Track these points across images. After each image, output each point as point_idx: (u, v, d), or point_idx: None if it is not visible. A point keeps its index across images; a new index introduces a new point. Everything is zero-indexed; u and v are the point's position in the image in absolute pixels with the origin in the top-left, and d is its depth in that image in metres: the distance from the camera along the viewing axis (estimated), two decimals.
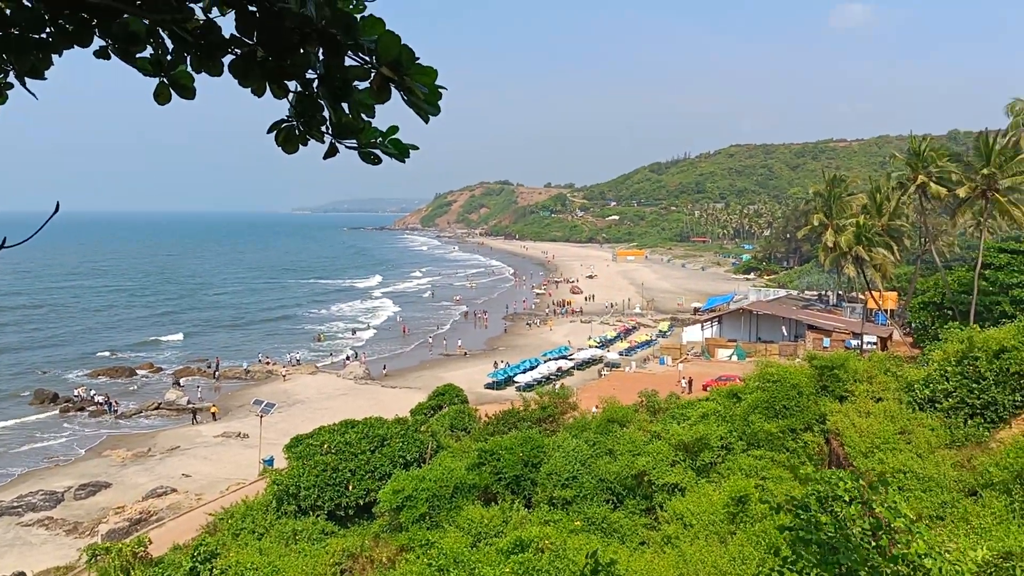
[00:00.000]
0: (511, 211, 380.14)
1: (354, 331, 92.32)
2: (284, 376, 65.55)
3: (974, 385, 19.79)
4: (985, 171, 46.08)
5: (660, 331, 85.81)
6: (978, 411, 19.43)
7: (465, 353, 76.95)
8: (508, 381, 60.91)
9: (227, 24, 2.64)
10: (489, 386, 59.87)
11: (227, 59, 2.70)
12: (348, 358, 74.29)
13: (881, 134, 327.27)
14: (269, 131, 2.96)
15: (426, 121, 2.92)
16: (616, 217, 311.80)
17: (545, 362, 66.10)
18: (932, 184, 52.71)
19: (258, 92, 2.77)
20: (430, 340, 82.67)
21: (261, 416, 43.82)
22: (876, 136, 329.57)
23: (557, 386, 49.27)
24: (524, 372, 62.45)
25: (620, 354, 71.80)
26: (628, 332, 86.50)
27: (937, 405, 20.26)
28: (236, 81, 2.72)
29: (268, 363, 70.49)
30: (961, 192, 48.31)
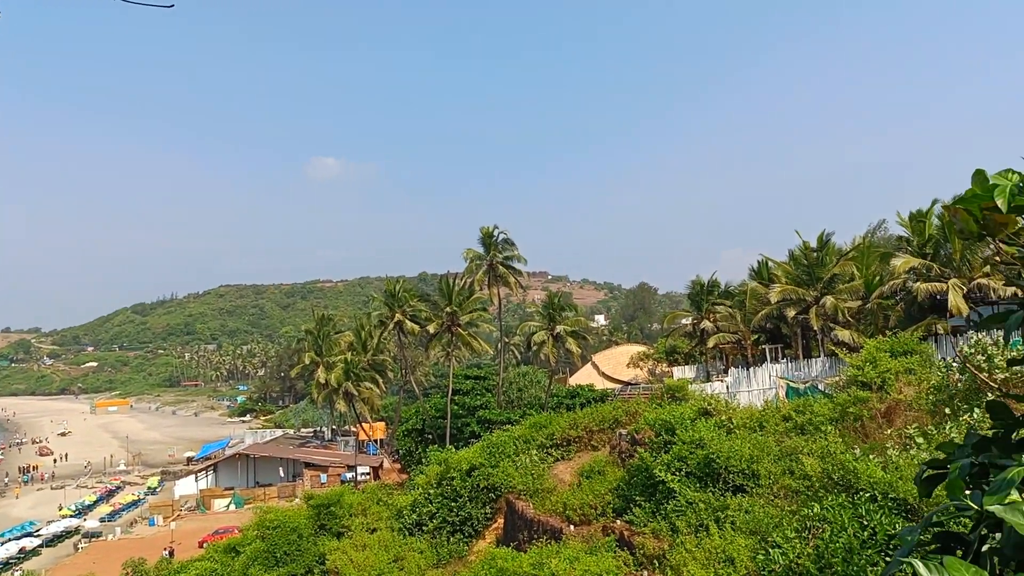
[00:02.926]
0: None
1: None
2: None
3: (453, 504, 21.88)
4: (448, 309, 53.51)
5: (149, 488, 78.46)
6: (458, 528, 21.44)
7: None
8: None
9: None
10: None
11: None
12: None
13: (363, 275, 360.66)
14: None
15: None
16: (94, 364, 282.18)
17: (3, 544, 54.69)
18: (407, 321, 58.95)
19: None
20: None
21: None
22: (359, 277, 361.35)
23: (19, 573, 41.97)
24: None
25: (102, 520, 63.70)
26: (111, 494, 77.51)
27: (424, 528, 21.83)
28: None
29: None
30: (431, 327, 55.14)
